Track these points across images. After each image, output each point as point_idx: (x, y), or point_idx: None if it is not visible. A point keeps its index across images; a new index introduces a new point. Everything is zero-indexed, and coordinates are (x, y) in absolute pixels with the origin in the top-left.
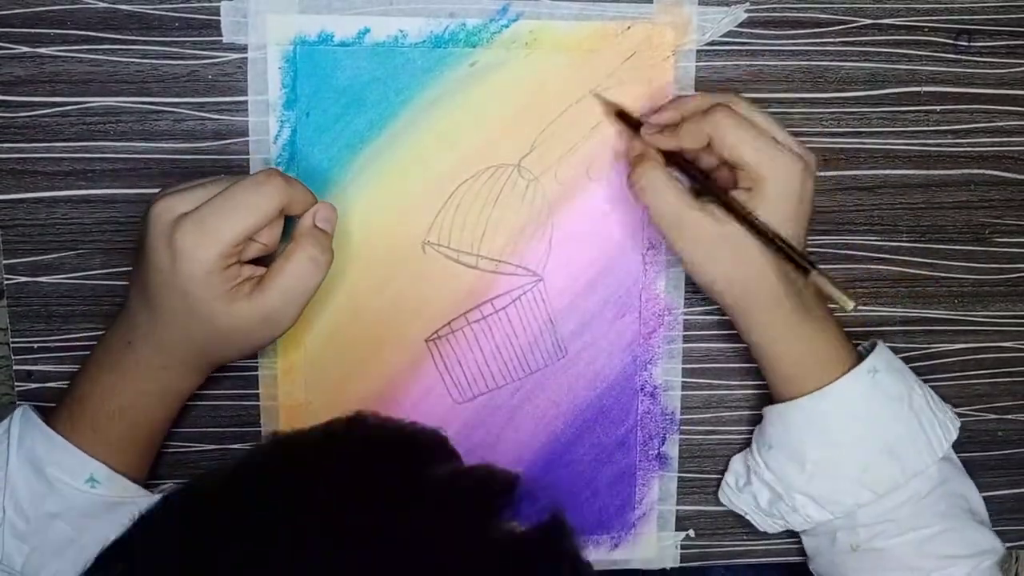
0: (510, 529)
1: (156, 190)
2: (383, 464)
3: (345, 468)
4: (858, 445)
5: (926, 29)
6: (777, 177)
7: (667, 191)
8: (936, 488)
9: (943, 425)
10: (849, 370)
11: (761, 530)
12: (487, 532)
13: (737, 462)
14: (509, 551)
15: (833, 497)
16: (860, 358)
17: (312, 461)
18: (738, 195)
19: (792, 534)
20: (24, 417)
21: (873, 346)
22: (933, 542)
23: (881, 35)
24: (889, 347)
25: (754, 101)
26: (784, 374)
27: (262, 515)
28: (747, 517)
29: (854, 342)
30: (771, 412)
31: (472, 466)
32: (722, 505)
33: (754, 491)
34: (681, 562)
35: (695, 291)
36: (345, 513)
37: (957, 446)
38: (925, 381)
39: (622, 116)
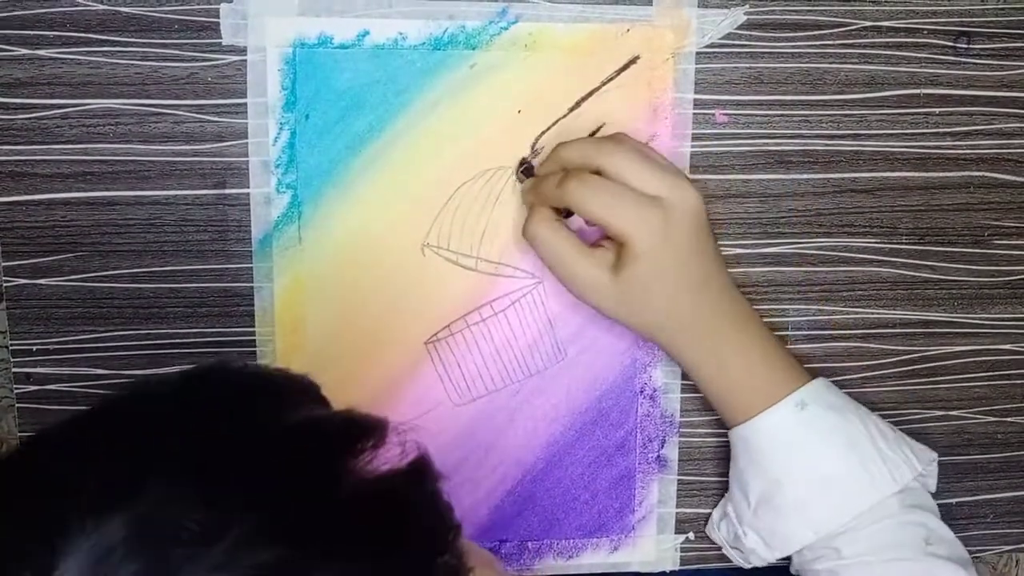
0: (369, 470)
1: (156, 192)
2: (238, 407)
3: (196, 410)
4: (793, 480)
5: (925, 31)
6: (638, 232)
7: (554, 242)
8: (882, 520)
9: (892, 463)
10: (780, 400)
11: (736, 565)
12: (340, 471)
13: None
14: (363, 489)
15: (777, 533)
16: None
17: (164, 406)
18: (613, 250)
19: None
20: None
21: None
22: (879, 570)
23: (880, 37)
24: (887, 348)
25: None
26: (719, 399)
27: (106, 455)
28: (724, 551)
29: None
30: (730, 437)
31: (335, 411)
32: None
33: (727, 524)
34: (681, 565)
35: None
36: (191, 451)
37: (956, 449)
38: (924, 383)
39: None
